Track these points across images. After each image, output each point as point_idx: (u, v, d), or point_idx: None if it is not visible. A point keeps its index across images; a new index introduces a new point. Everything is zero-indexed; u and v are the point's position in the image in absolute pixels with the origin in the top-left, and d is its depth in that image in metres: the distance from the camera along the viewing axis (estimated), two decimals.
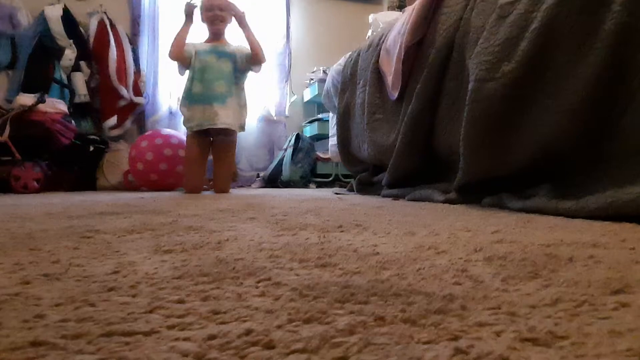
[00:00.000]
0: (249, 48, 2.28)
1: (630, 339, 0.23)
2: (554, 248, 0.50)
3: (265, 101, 3.63)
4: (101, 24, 3.05)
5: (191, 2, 2.27)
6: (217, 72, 2.26)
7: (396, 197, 1.58)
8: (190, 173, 2.21)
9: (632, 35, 0.84)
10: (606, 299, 0.30)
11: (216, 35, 2.33)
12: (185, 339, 0.24)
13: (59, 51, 2.83)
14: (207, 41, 2.34)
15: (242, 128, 2.35)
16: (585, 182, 0.91)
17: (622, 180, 0.82)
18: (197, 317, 0.27)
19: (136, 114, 3.23)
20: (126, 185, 2.76)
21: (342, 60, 2.35)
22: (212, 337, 0.24)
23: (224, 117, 2.21)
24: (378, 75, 1.85)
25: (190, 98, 2.26)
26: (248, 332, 0.25)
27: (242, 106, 2.34)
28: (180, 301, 0.31)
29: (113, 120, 3.04)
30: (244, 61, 2.29)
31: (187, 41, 2.27)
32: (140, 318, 0.27)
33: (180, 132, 2.75)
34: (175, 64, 2.31)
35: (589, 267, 0.40)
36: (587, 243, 0.54)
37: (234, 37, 2.41)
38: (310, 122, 3.58)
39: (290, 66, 3.74)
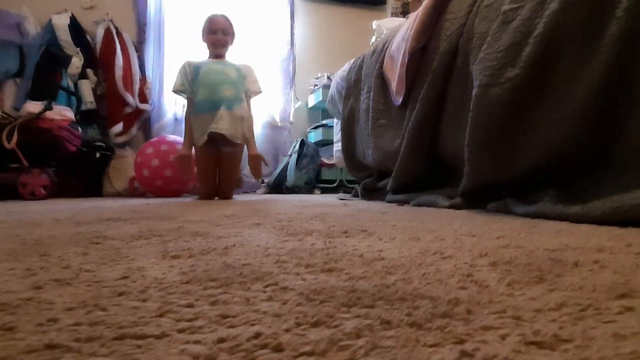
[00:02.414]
0: (254, 79, 2.29)
1: (634, 342, 0.24)
2: (560, 253, 0.50)
3: (270, 107, 3.64)
4: (107, 32, 3.08)
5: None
6: (223, 76, 2.19)
7: (401, 203, 1.59)
8: (205, 182, 2.21)
9: (636, 40, 0.84)
10: (611, 303, 0.31)
11: (217, 57, 2.28)
12: (195, 342, 0.24)
13: (66, 59, 2.87)
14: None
15: (246, 140, 2.23)
16: (590, 187, 0.90)
17: (627, 185, 0.82)
18: (206, 320, 0.28)
19: (142, 121, 3.25)
20: (132, 192, 2.77)
21: (346, 66, 2.36)
22: (221, 340, 0.25)
23: (227, 123, 2.12)
24: (382, 81, 1.86)
25: (196, 107, 2.19)
26: (257, 335, 0.25)
27: (247, 118, 2.25)
28: (190, 305, 0.31)
29: (119, 127, 3.06)
30: (247, 86, 2.26)
31: (184, 63, 2.24)
32: (151, 322, 0.28)
33: None
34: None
35: (594, 272, 0.41)
36: (593, 248, 0.54)
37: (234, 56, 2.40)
38: (315, 127, 3.59)
39: (294, 72, 3.76)
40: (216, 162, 2.23)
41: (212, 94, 2.15)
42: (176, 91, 2.25)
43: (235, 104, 2.18)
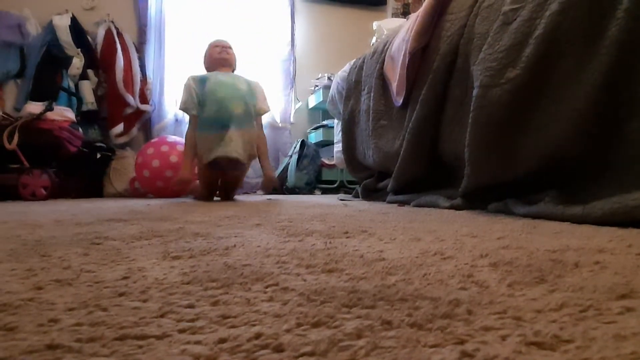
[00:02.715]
0: (263, 97, 2.18)
1: (635, 342, 0.24)
2: (560, 254, 0.50)
3: (270, 108, 3.64)
4: (108, 32, 3.08)
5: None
6: (232, 90, 2.03)
7: (401, 204, 1.59)
8: (206, 187, 2.13)
9: (637, 41, 0.84)
10: (611, 304, 0.31)
11: (224, 66, 2.17)
12: (196, 343, 0.24)
13: (67, 60, 2.87)
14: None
15: (254, 157, 2.10)
16: (591, 188, 0.90)
17: (628, 186, 0.82)
18: (207, 321, 0.28)
19: (142, 122, 3.26)
20: (132, 192, 2.77)
21: (346, 67, 2.36)
22: (222, 340, 0.25)
23: (237, 146, 1.95)
24: (383, 81, 1.86)
25: (202, 124, 1.99)
26: (258, 335, 0.25)
27: (255, 137, 2.09)
28: (190, 306, 0.31)
29: (119, 127, 3.07)
30: (257, 104, 2.12)
31: (189, 78, 2.07)
32: (152, 322, 0.28)
33: None
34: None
35: (595, 273, 0.41)
36: (593, 249, 0.54)
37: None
38: (315, 128, 3.59)
39: (295, 73, 3.76)
40: (219, 175, 2.11)
41: (220, 110, 1.98)
42: (183, 109, 2.10)
43: (245, 122, 2.03)
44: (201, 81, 2.05)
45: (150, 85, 3.27)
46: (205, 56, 2.25)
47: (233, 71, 2.23)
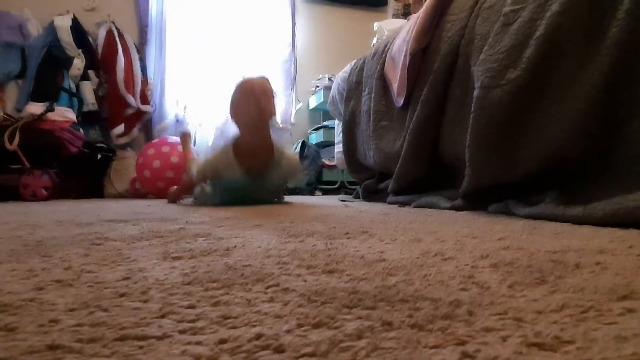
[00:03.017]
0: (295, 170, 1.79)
1: (636, 343, 0.24)
2: (561, 254, 0.50)
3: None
4: (109, 33, 3.09)
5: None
6: (258, 188, 1.65)
7: (402, 204, 1.58)
8: None
9: (637, 41, 0.84)
10: (612, 305, 0.31)
11: (264, 121, 1.61)
12: (197, 343, 0.24)
13: (68, 61, 2.87)
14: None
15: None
16: (592, 189, 0.90)
17: (629, 186, 0.82)
18: (208, 321, 0.28)
19: (143, 122, 3.26)
20: (133, 193, 2.78)
21: (347, 68, 2.36)
22: (223, 341, 0.25)
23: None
24: (383, 82, 1.86)
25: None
26: (258, 336, 0.25)
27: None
28: (191, 306, 0.31)
29: (120, 128, 3.07)
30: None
31: (205, 166, 1.65)
32: (153, 323, 0.28)
33: None
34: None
35: (596, 274, 0.40)
36: (594, 250, 0.54)
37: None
38: (316, 129, 3.59)
39: (295, 74, 3.76)
40: None
41: (242, 199, 1.62)
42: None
43: (269, 200, 1.80)
44: (220, 182, 1.61)
45: (151, 86, 3.27)
46: (233, 105, 1.58)
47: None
